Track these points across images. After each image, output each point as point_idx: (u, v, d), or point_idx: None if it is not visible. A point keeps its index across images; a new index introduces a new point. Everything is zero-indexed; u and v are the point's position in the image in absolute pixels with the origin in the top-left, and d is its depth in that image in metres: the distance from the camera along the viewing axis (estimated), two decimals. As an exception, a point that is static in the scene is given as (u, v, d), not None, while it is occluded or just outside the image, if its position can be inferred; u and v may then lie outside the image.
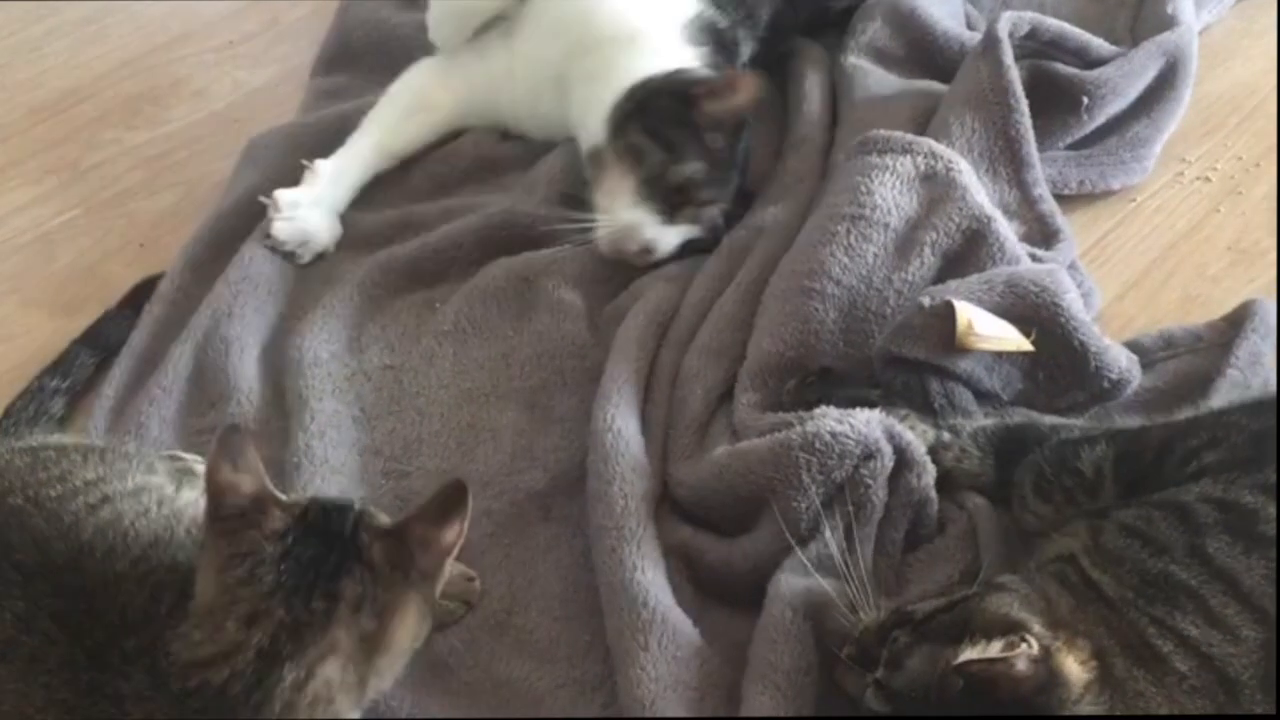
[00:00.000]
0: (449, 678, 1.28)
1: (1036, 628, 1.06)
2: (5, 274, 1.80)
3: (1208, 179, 1.80)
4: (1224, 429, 1.20)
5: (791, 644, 1.19)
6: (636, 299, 1.59)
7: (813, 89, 1.84)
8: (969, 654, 1.04)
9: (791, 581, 1.24)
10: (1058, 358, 1.39)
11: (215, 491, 1.06)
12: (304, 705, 1.02)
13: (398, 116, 1.82)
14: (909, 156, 1.55)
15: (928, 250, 1.48)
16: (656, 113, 1.61)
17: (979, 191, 1.54)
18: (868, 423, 1.29)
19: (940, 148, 1.57)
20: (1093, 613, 1.10)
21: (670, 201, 1.61)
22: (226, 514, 1.06)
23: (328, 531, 1.07)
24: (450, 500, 1.09)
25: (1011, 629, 1.05)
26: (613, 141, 1.62)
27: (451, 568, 1.29)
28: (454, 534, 1.08)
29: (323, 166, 1.75)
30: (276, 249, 1.70)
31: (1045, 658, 1.03)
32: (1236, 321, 1.48)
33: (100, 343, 1.64)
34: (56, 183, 1.95)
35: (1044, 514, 1.28)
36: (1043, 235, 1.60)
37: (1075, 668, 1.04)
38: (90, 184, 1.94)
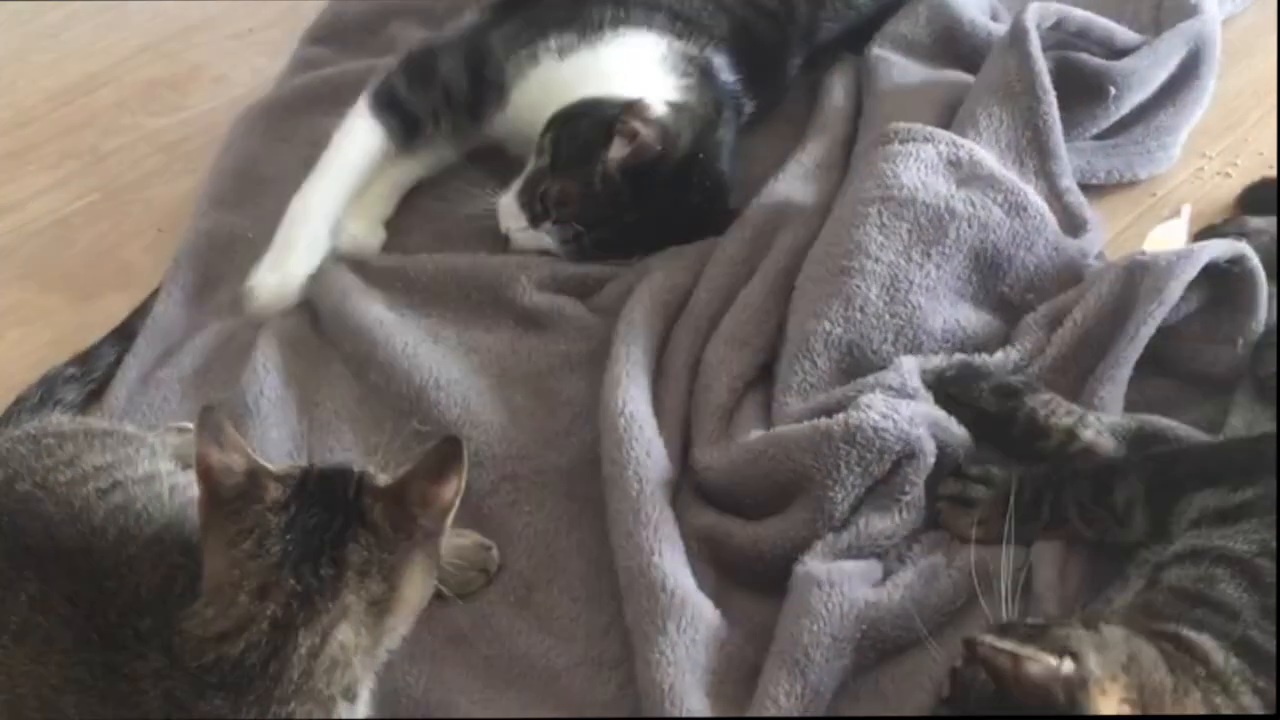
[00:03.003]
0: (468, 651, 1.29)
1: (1091, 661, 1.01)
2: (23, 258, 1.80)
3: (1228, 174, 1.79)
4: (1256, 461, 1.18)
5: (817, 622, 1.19)
6: (641, 277, 1.59)
7: (835, 81, 1.84)
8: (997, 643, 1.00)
9: (818, 565, 1.24)
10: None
11: (209, 475, 1.06)
12: (321, 671, 1.03)
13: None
14: (930, 145, 1.56)
15: (964, 224, 1.49)
16: (574, 126, 1.64)
17: (1007, 173, 1.55)
18: (911, 420, 1.29)
19: (961, 139, 1.58)
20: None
21: (533, 208, 1.64)
22: (227, 496, 1.06)
23: (329, 497, 1.07)
24: (446, 456, 1.09)
25: (1063, 650, 1.01)
26: (539, 135, 1.66)
27: (466, 536, 1.31)
28: (452, 490, 1.08)
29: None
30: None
31: (1078, 685, 0.98)
32: None
33: (129, 335, 1.63)
34: (75, 167, 1.94)
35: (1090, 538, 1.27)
36: (1070, 226, 1.59)
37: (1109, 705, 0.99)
38: (109, 169, 1.94)
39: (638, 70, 1.68)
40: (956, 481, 1.32)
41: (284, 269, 1.64)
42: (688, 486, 1.39)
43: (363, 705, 1.08)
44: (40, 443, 1.21)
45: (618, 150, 1.58)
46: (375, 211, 1.75)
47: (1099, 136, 1.78)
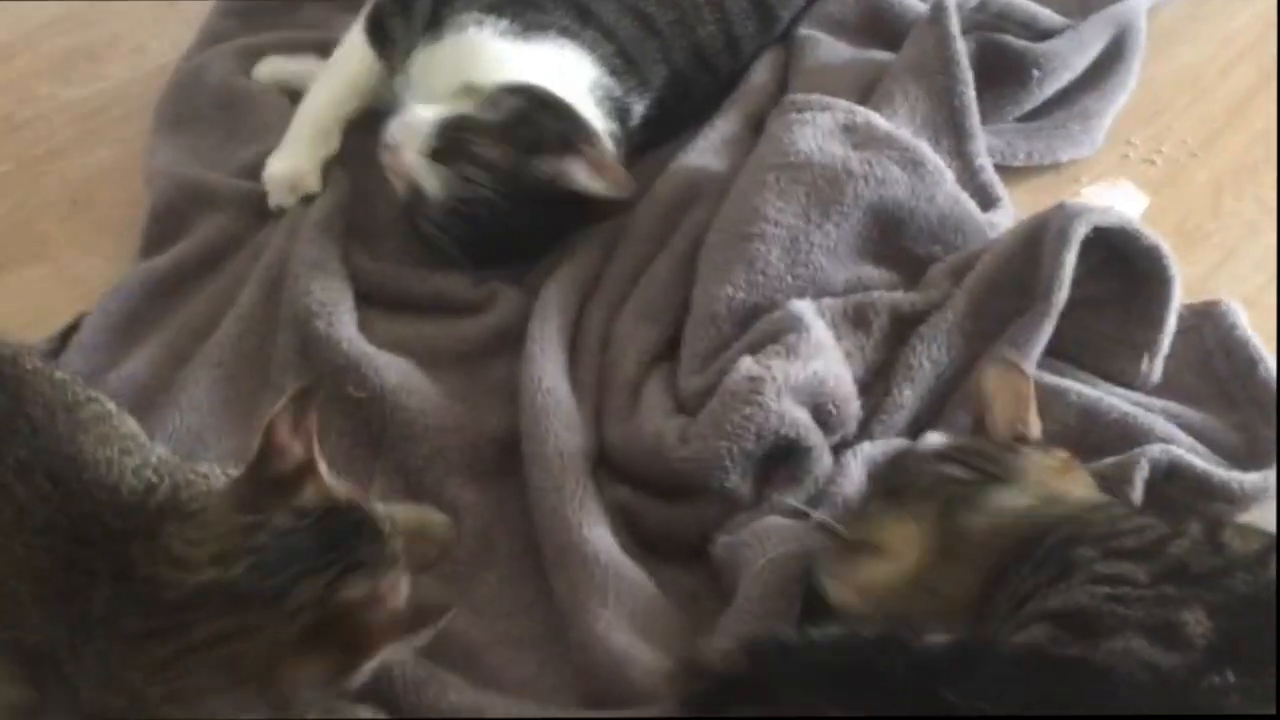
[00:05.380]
0: None
1: None
2: (-66, 228, 1.76)
3: (1153, 162, 1.80)
4: None
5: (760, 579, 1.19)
6: (563, 256, 1.59)
7: (760, 64, 1.82)
8: None
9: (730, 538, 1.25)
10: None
11: (266, 445, 1.06)
12: (219, 655, 1.02)
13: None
14: (827, 113, 1.57)
15: (861, 182, 1.49)
16: (542, 114, 1.57)
17: (901, 132, 1.56)
18: (782, 393, 1.29)
19: (857, 107, 1.59)
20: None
21: (449, 145, 1.55)
22: (268, 475, 1.06)
23: (332, 543, 1.05)
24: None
25: None
26: (493, 90, 1.59)
27: (429, 511, 1.32)
28: (392, 638, 1.03)
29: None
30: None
31: None
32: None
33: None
34: (-12, 137, 1.91)
35: None
36: (982, 204, 1.60)
37: None
38: (23, 139, 1.90)
39: (564, 90, 1.62)
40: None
41: (293, 159, 1.71)
42: (601, 463, 1.38)
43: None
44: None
45: (580, 172, 1.53)
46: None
47: (1021, 119, 1.79)
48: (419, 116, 1.58)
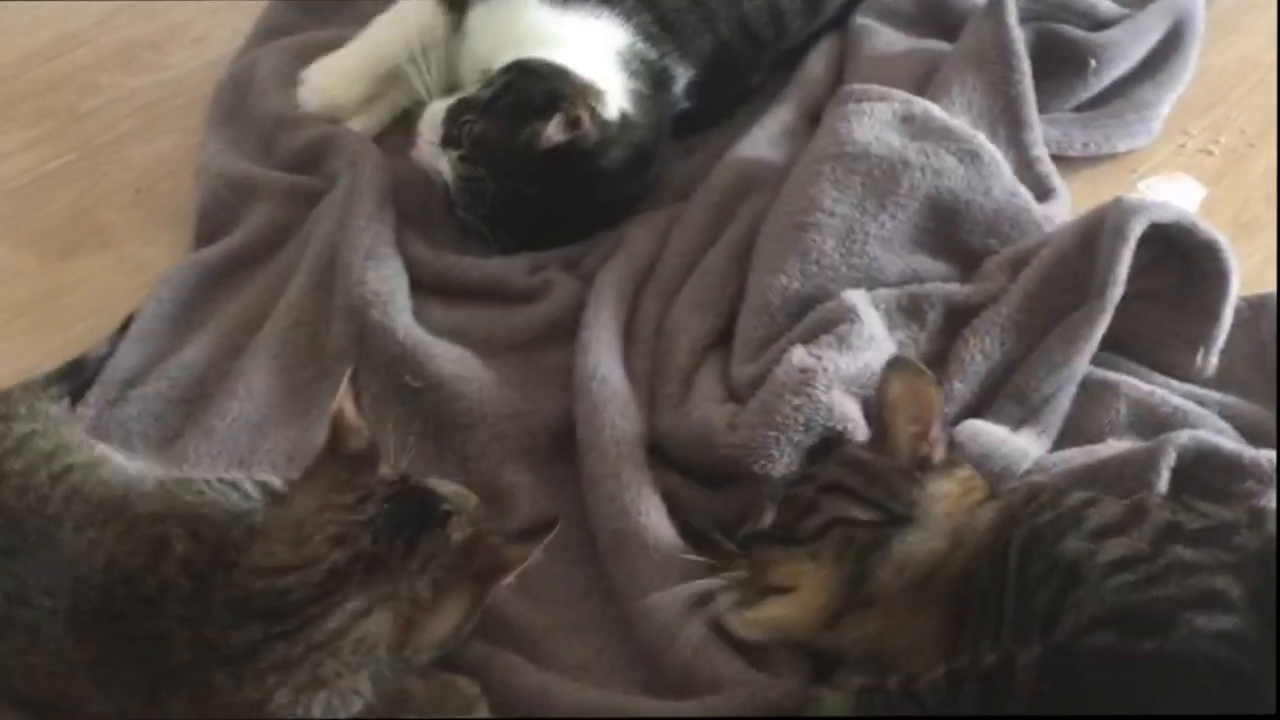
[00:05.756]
0: None
1: None
2: (-2, 217, 1.80)
3: (1210, 152, 1.79)
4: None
5: None
6: (618, 244, 1.60)
7: (816, 51, 1.84)
8: None
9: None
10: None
11: (339, 424, 1.13)
12: (351, 639, 1.06)
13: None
14: (885, 103, 1.57)
15: (918, 173, 1.49)
16: (529, 81, 1.60)
17: (958, 123, 1.56)
18: (831, 385, 1.29)
19: (915, 97, 1.59)
20: None
21: (450, 130, 1.61)
22: (345, 451, 1.13)
23: (423, 502, 1.14)
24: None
25: None
26: (495, 68, 1.64)
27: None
28: (521, 557, 1.14)
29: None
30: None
31: None
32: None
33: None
34: (53, 126, 1.93)
35: None
36: (1038, 195, 1.59)
37: None
38: (86, 129, 1.92)
39: (590, 54, 1.65)
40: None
41: (328, 71, 1.78)
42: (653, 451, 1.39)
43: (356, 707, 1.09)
44: None
45: (554, 129, 1.54)
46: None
47: (1078, 109, 1.79)
48: (436, 107, 1.64)
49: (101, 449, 1.26)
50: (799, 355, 1.32)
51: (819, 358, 1.31)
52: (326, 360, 1.51)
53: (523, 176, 1.58)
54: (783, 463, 1.28)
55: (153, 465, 1.30)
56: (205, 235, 1.71)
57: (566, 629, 1.27)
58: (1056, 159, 1.69)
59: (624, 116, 1.62)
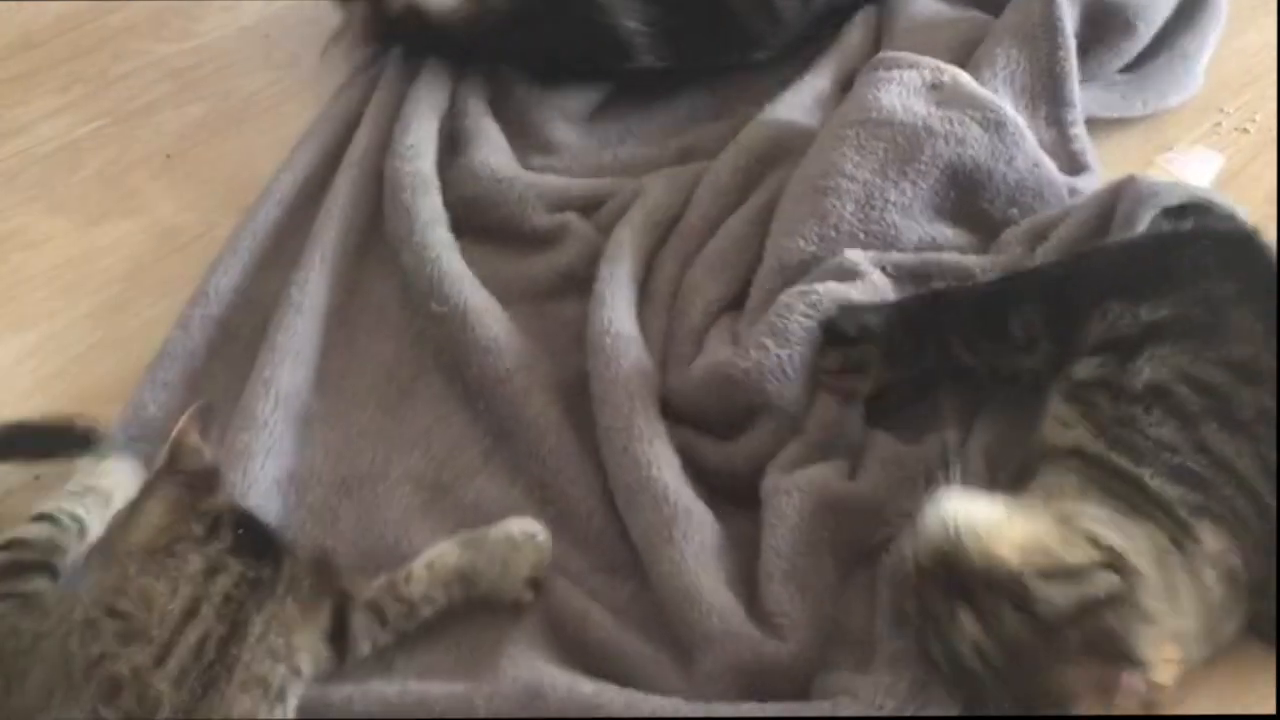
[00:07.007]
0: None
1: None
2: (30, 181, 1.80)
3: (1246, 130, 1.77)
4: (1167, 280, 1.19)
5: (786, 523, 1.23)
6: (636, 196, 1.60)
7: (856, 21, 1.83)
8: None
9: (782, 477, 1.27)
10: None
11: (179, 445, 1.12)
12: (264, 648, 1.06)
13: None
14: (914, 70, 1.56)
15: (941, 141, 1.48)
16: None
17: (983, 90, 1.56)
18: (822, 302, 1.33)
19: (947, 65, 1.58)
20: None
21: None
22: (184, 469, 1.12)
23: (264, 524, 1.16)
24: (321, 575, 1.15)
25: None
26: None
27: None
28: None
29: None
30: None
31: None
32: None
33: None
34: (84, 91, 1.94)
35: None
36: (1070, 170, 1.59)
37: None
38: (118, 94, 1.93)
39: None
40: (837, 352, 1.33)
41: None
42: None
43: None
44: None
45: None
46: None
47: (1126, 69, 1.78)
48: None
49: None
50: (799, 287, 1.37)
51: (816, 288, 1.36)
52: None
53: None
54: (796, 383, 1.30)
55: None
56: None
57: (604, 570, 1.29)
58: (1092, 124, 1.68)
59: None
